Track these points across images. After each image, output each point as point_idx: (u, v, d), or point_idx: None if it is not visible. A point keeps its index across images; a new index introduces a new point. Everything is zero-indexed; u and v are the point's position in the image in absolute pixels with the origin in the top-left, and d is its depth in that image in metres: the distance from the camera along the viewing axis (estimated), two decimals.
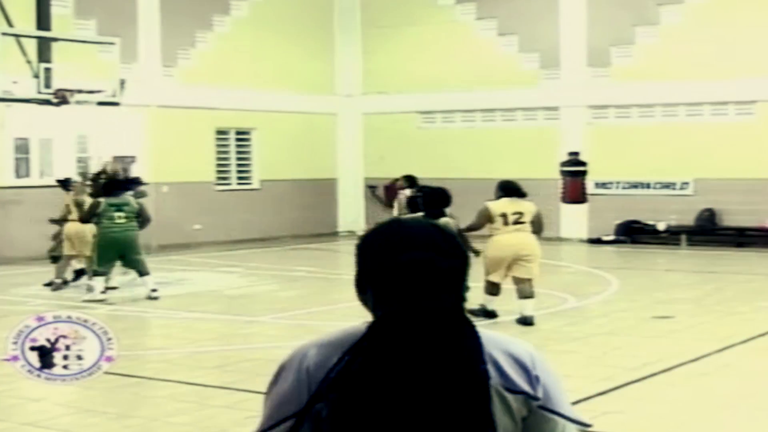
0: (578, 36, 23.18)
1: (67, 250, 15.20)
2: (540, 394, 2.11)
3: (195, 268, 18.52)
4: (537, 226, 12.08)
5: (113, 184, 14.92)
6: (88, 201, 14.82)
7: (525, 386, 2.10)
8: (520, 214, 11.99)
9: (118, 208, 14.23)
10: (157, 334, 12.56)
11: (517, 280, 11.97)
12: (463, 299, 2.11)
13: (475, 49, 24.29)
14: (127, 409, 8.31)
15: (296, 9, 24.88)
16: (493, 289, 11.99)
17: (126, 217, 14.24)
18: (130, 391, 8.91)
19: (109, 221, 14.12)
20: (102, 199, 14.30)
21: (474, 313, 10.94)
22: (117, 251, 14.20)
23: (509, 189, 12.24)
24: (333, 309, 12.83)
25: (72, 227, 15.06)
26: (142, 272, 14.41)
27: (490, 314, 11.85)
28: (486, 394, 2.02)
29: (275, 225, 23.93)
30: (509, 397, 2.07)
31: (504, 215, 11.95)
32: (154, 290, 14.31)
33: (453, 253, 2.11)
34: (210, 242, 22.23)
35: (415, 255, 2.07)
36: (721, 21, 21.58)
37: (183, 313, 13.21)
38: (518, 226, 11.94)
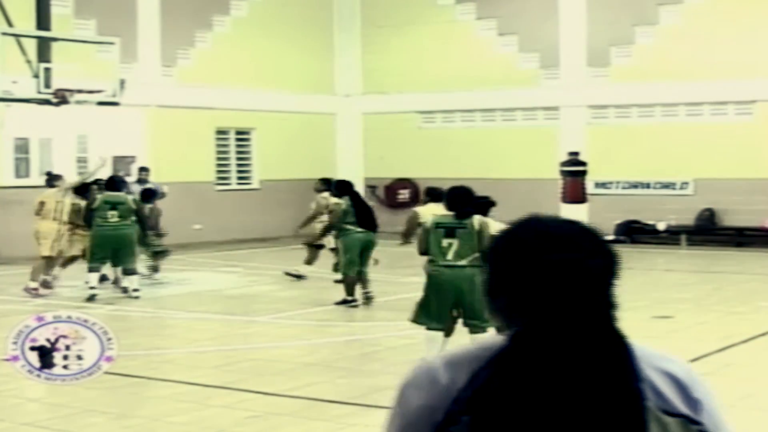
0: (578, 36, 23.18)
1: (45, 251, 14.70)
2: (703, 418, 1.84)
3: (195, 268, 18.52)
4: None
5: (114, 180, 14.96)
6: (67, 203, 14.80)
7: (684, 409, 1.84)
8: None
9: (113, 206, 14.25)
10: (157, 334, 12.55)
11: None
12: (614, 306, 1.87)
13: (475, 49, 24.30)
14: (127, 409, 8.30)
15: (296, 9, 24.88)
16: None
17: (120, 216, 14.26)
18: (130, 391, 8.91)
19: (102, 219, 14.19)
20: (99, 195, 14.35)
21: None
22: (110, 248, 14.26)
23: (437, 194, 12.14)
24: (333, 309, 12.75)
25: (43, 226, 14.74)
26: (129, 270, 14.44)
27: None
28: (642, 416, 1.76)
29: (275, 225, 23.90)
30: (668, 420, 1.80)
31: None
32: (135, 290, 14.33)
33: (601, 252, 1.85)
34: (210, 242, 22.23)
35: (564, 255, 1.81)
36: (720, 21, 21.59)
37: (183, 313, 13.22)
38: None
